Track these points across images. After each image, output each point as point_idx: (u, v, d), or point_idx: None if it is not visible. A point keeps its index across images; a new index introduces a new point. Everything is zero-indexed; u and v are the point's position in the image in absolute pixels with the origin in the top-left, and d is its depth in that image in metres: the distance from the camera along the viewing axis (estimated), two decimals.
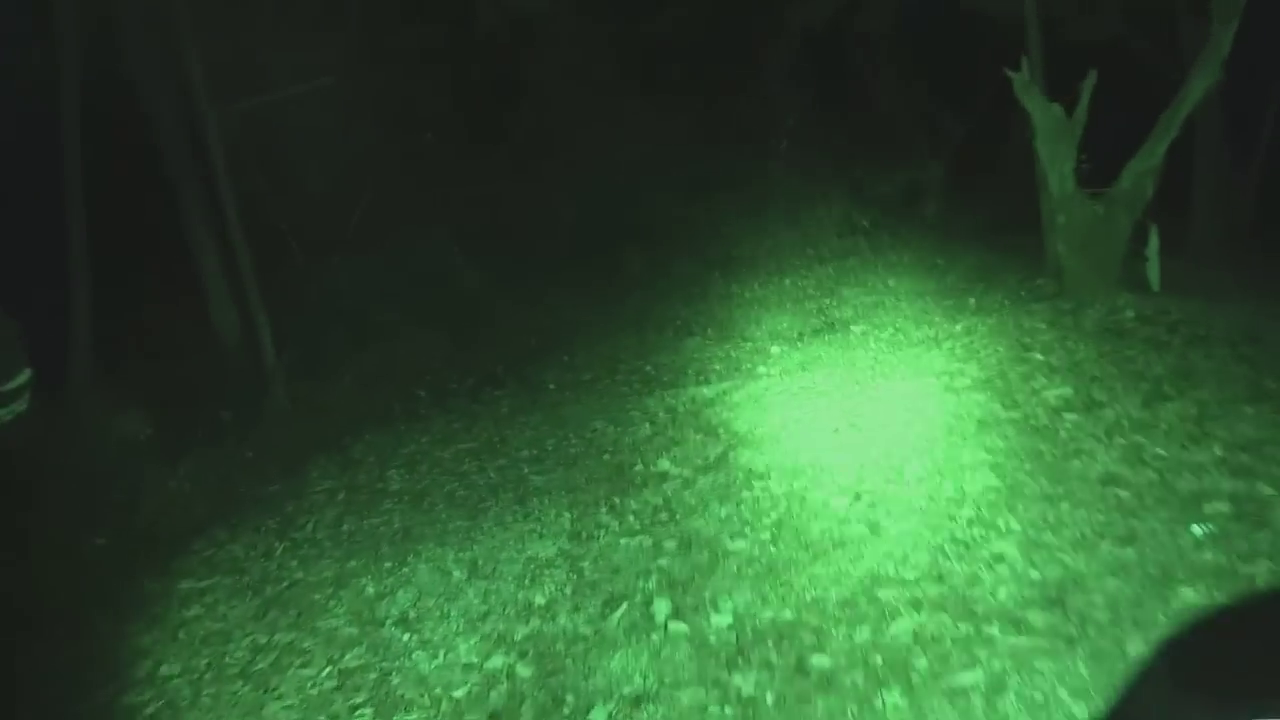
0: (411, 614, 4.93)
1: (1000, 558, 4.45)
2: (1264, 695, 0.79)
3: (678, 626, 4.38)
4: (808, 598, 4.44)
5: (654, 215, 12.13)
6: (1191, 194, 10.79)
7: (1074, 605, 3.98)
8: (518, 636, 4.56)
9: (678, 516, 5.65)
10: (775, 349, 8.98)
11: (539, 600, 4.90)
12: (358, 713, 4.22)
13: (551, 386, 8.74)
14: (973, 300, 9.53)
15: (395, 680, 4.40)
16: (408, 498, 6.63)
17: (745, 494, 5.80)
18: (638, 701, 3.93)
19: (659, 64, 11.74)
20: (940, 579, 4.37)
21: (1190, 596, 3.94)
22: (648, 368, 8.97)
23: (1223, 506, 4.61)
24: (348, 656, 4.61)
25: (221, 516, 6.74)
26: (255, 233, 9.22)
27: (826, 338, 9.14)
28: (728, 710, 3.79)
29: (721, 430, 6.98)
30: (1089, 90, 8.46)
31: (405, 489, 6.81)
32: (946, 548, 4.65)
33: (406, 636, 4.71)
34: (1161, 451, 5.35)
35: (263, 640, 4.90)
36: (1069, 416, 6.02)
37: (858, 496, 5.43)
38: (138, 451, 7.28)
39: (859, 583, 4.48)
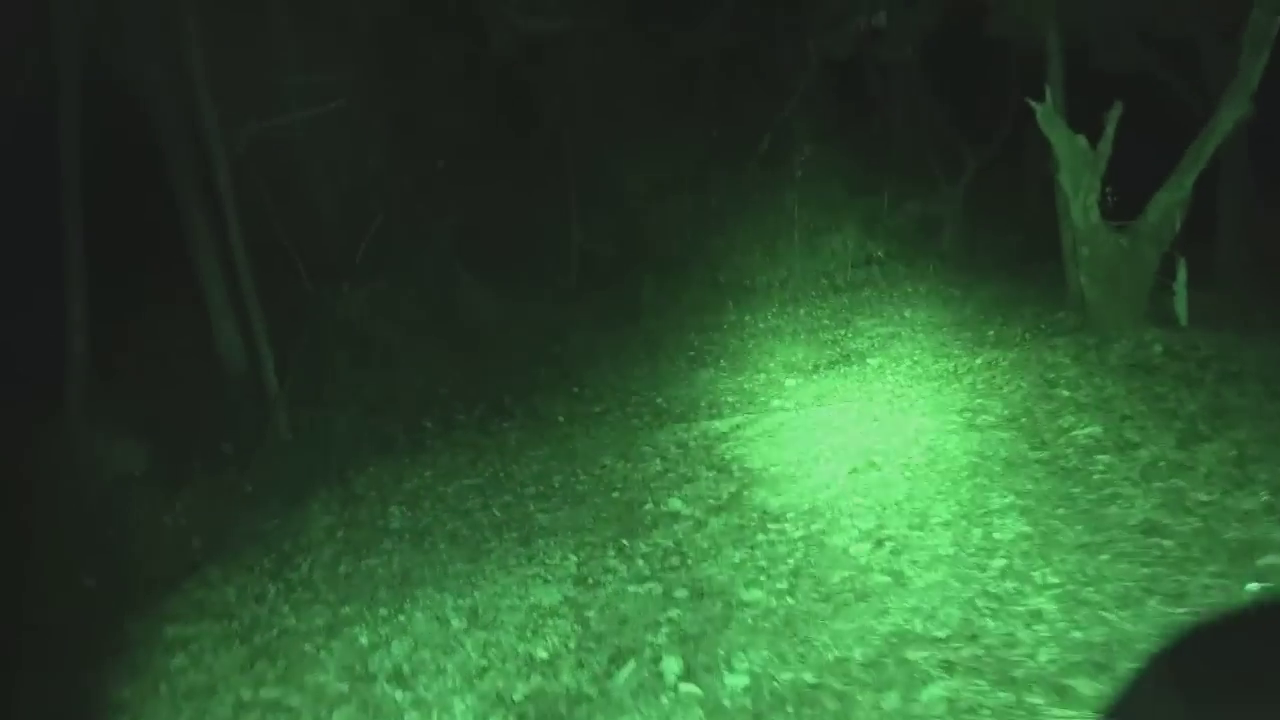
0: (406, 668, 4.54)
1: (1038, 615, 4.04)
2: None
3: (689, 689, 3.97)
4: (829, 657, 4.03)
5: (668, 242, 11.80)
6: (1216, 224, 10.38)
7: (1124, 673, 3.57)
8: (517, 696, 4.16)
9: (689, 561, 5.25)
10: (790, 381, 8.61)
11: (541, 654, 4.50)
12: None
13: (561, 419, 8.36)
14: (992, 333, 9.16)
15: None
16: (408, 536, 6.25)
17: (760, 537, 5.41)
18: None
19: (676, 90, 11.42)
20: (974, 638, 3.96)
21: None
22: (659, 399, 8.60)
23: (1277, 560, 4.20)
24: (335, 716, 4.22)
25: (216, 554, 6.37)
26: (264, 257, 8.93)
27: (842, 370, 8.77)
28: None
29: (735, 467, 6.59)
30: (1114, 121, 8.09)
31: (406, 527, 6.43)
32: (979, 602, 4.24)
33: (399, 694, 4.31)
34: (1204, 497, 4.94)
35: (247, 696, 4.51)
36: (1101, 458, 5.61)
37: (880, 543, 5.03)
38: (134, 484, 6.93)
39: (885, 641, 4.07)
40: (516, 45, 8.23)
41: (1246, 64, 7.64)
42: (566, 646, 4.53)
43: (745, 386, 8.63)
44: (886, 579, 4.61)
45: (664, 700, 3.93)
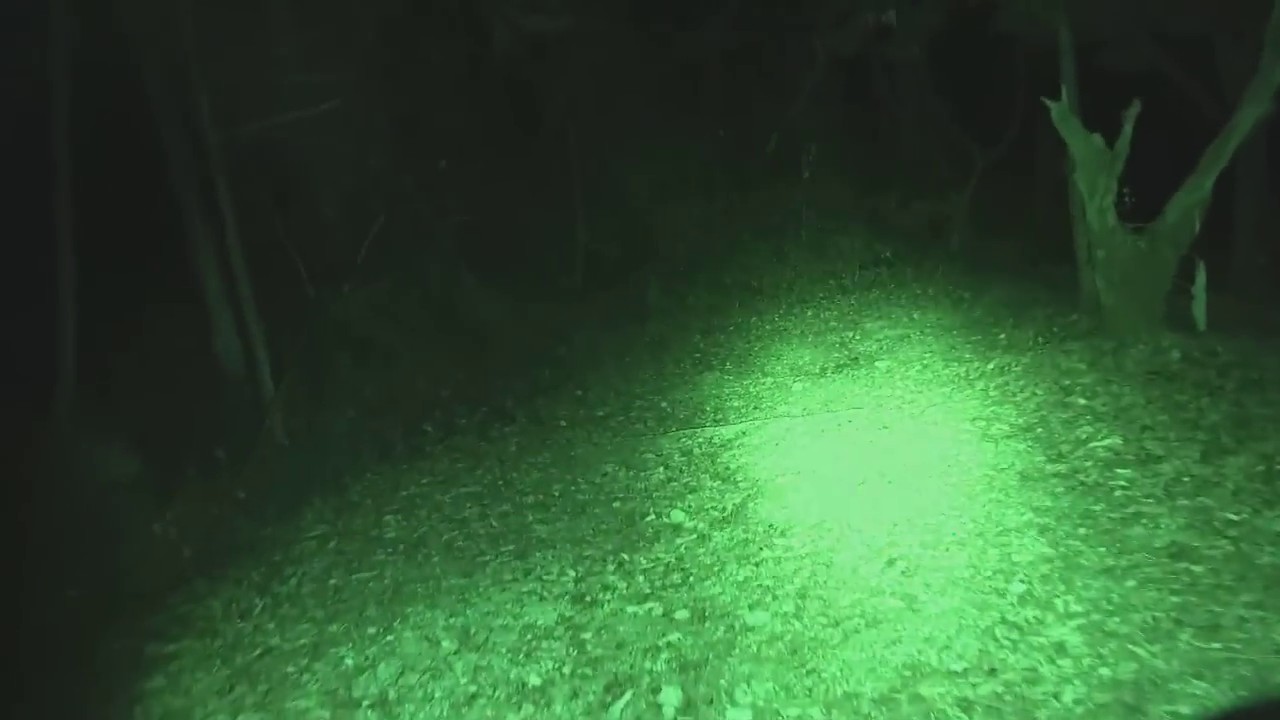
0: (391, 694, 4.23)
1: (1062, 648, 3.71)
2: None
3: None
4: (839, 691, 3.71)
5: (674, 243, 11.46)
6: (1232, 226, 10.01)
7: (1157, 716, 3.23)
8: None
9: (691, 579, 4.93)
10: (797, 385, 8.26)
11: (534, 680, 4.18)
12: None
13: (563, 423, 8.04)
14: (1003, 336, 8.79)
15: None
16: (403, 547, 5.93)
17: (765, 553, 5.09)
18: None
19: (682, 90, 11.08)
20: (993, 673, 3.63)
21: None
22: (663, 403, 8.27)
23: None
24: None
25: (205, 566, 6.06)
26: (265, 258, 8.63)
27: (850, 373, 8.42)
28: None
29: (740, 477, 6.27)
30: (1132, 119, 7.71)
31: (401, 537, 6.11)
32: (997, 632, 3.90)
33: None
34: (1233, 516, 4.60)
35: None
36: (1122, 472, 5.26)
37: (891, 562, 4.70)
38: (124, 490, 6.62)
39: (897, 674, 3.75)
40: (518, 44, 7.89)
41: (1268, 62, 7.27)
42: (561, 672, 4.22)
43: (751, 390, 8.29)
44: (898, 603, 4.28)
45: None
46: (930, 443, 6.22)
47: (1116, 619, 3.84)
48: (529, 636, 4.57)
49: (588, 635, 4.50)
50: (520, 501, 6.43)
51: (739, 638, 4.24)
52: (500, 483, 6.83)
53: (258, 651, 4.80)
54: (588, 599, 4.89)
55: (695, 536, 5.47)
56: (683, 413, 7.94)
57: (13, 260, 6.94)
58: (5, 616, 5.32)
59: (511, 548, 5.69)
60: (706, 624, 4.41)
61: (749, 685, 3.84)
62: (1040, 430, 6.06)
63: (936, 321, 9.77)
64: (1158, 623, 3.76)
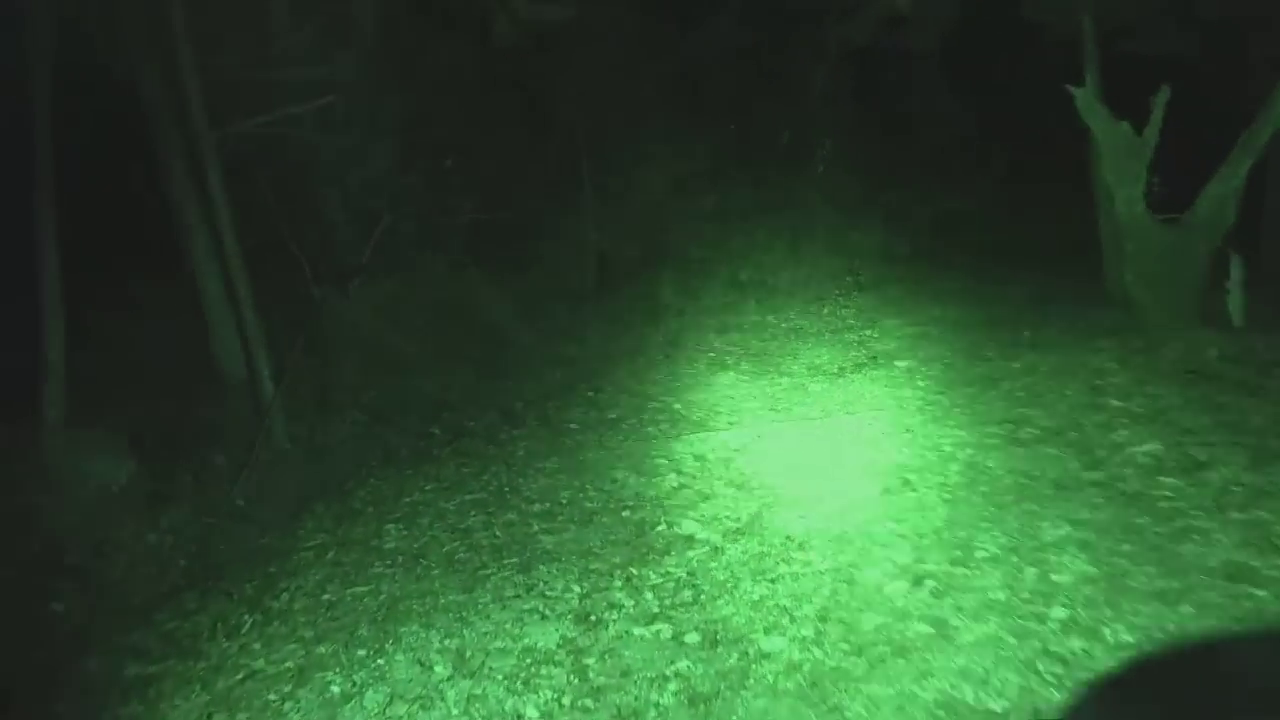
0: None
1: (1115, 686, 3.25)
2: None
3: None
4: None
5: (686, 241, 11.00)
6: (1261, 217, 9.45)
7: None
8: None
9: (703, 597, 4.50)
10: (814, 385, 7.81)
11: (531, 712, 3.76)
12: None
13: (573, 426, 7.60)
14: (1028, 333, 8.31)
15: None
16: (402, 559, 5.51)
17: (783, 568, 4.65)
18: None
19: (691, 84, 10.62)
20: (1038, 715, 3.17)
21: None
22: (677, 405, 7.82)
23: None
24: None
25: (197, 578, 5.66)
26: (268, 257, 8.25)
27: (870, 373, 7.95)
28: None
29: (755, 483, 5.82)
30: (1161, 106, 7.23)
31: (401, 547, 5.69)
32: (1040, 665, 3.45)
33: None
34: None
35: None
36: (1166, 480, 4.79)
37: (918, 580, 4.25)
38: (116, 499, 6.25)
39: (930, 714, 3.30)
40: (522, 36, 7.44)
41: None
42: (560, 703, 3.79)
43: (768, 391, 7.84)
44: (928, 629, 3.82)
45: None
46: (957, 448, 5.77)
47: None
48: (528, 661, 4.15)
49: (591, 661, 4.08)
50: (526, 510, 6.00)
51: (754, 666, 3.80)
52: (506, 489, 6.41)
53: (240, 675, 4.39)
54: (592, 618, 4.46)
55: (708, 549, 5.03)
56: (697, 415, 7.50)
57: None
58: None
59: (515, 560, 5.26)
60: (719, 649, 3.98)
61: None
62: (1073, 434, 5.59)
63: (958, 318, 9.29)
64: None
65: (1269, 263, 9.36)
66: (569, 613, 4.56)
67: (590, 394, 8.38)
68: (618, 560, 5.06)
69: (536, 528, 5.69)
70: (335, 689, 4.14)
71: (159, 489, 6.44)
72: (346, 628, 4.74)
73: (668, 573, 4.82)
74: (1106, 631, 3.56)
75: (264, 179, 8.29)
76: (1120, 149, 7.37)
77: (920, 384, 7.35)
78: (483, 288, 9.63)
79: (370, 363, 8.60)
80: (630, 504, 5.85)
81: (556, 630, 4.39)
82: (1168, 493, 4.65)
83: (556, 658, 4.15)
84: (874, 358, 8.30)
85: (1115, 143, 7.37)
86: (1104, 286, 8.57)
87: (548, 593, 4.81)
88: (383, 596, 5.07)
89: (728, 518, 5.38)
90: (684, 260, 10.87)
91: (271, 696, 4.16)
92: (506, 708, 3.81)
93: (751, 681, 3.69)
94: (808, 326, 9.58)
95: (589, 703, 3.75)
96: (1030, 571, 4.11)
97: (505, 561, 5.27)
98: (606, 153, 10.52)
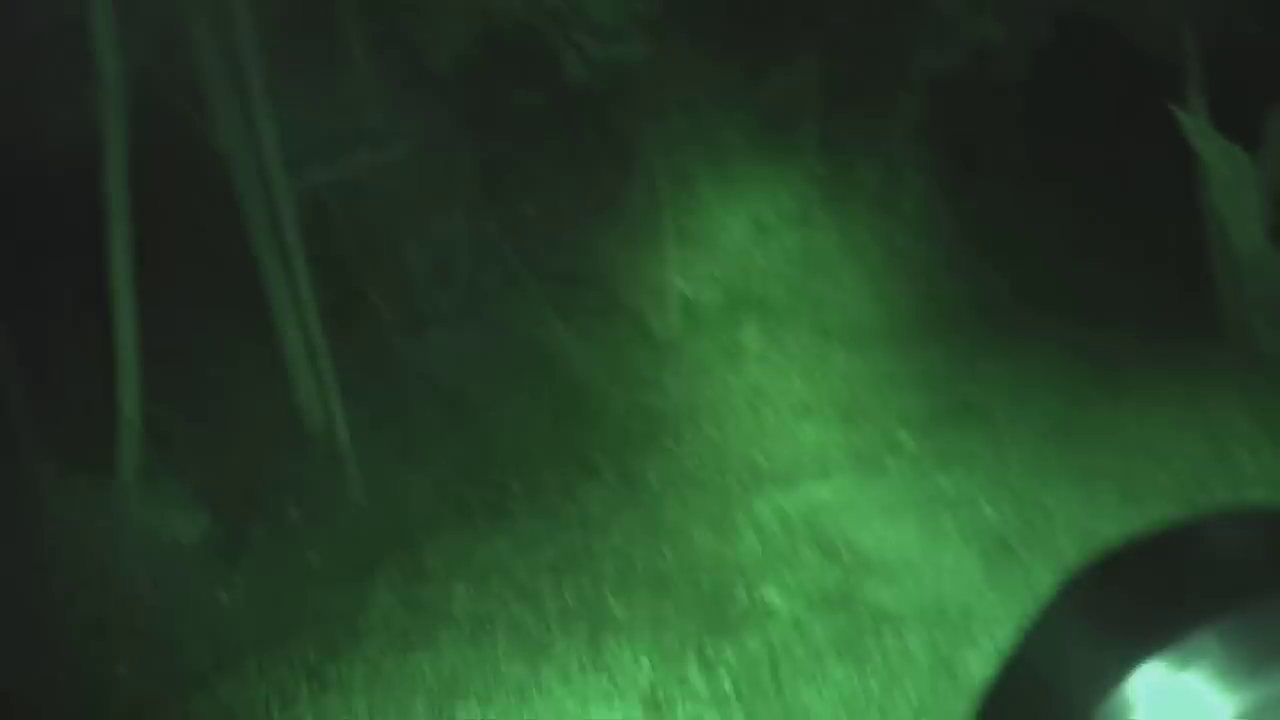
0: None
1: None
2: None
3: None
4: None
5: (770, 285, 10.54)
6: None
7: None
8: None
9: (782, 679, 4.02)
10: (906, 437, 7.25)
11: None
12: None
13: (652, 480, 7.19)
14: (1134, 377, 7.62)
15: None
16: (467, 625, 5.16)
17: (871, 647, 4.15)
18: None
19: (775, 122, 10.23)
20: None
21: None
22: (760, 457, 7.36)
23: None
24: None
25: (263, 640, 5.39)
26: (348, 305, 8.11)
27: (965, 423, 7.36)
28: None
29: (842, 547, 5.31)
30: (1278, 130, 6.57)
31: (467, 611, 5.34)
32: None
33: None
34: None
35: None
36: None
37: None
38: (189, 555, 6.05)
39: None
40: (595, 77, 7.18)
41: None
42: None
43: (855, 442, 7.32)
44: None
45: None
46: (1063, 508, 5.18)
47: None
48: None
49: None
50: (598, 572, 5.59)
51: None
52: (580, 549, 6.02)
53: None
54: (662, 701, 4.03)
55: (790, 622, 4.55)
56: (780, 467, 7.02)
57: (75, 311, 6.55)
58: (45, 696, 4.76)
59: (583, 629, 4.86)
60: None
61: None
62: (1199, 497, 4.95)
63: (1059, 362, 8.62)
64: None
65: None
66: (636, 692, 4.14)
67: (671, 446, 7.96)
68: (691, 631, 4.62)
69: (608, 593, 5.28)
70: None
71: (232, 545, 6.22)
72: (402, 702, 4.40)
73: (745, 647, 4.37)
74: None
75: (345, 227, 8.17)
76: (1235, 177, 6.72)
77: (1020, 435, 6.75)
78: (563, 335, 9.32)
79: (449, 413, 8.34)
80: (708, 568, 5.39)
81: (622, 713, 3.97)
82: None
83: None
84: (969, 406, 7.71)
85: (1230, 171, 6.73)
86: (1219, 326, 7.84)
87: (615, 667, 4.40)
88: (444, 667, 4.73)
89: (812, 586, 4.89)
90: (769, 305, 10.40)
91: None
92: None
93: None
94: (899, 373, 9.01)
95: None
96: None
97: (573, 630, 4.87)
98: (688, 195, 10.17)
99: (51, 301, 6.51)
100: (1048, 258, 11.69)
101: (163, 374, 6.70)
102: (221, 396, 7.26)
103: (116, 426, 6.02)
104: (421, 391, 8.41)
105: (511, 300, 9.19)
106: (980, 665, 3.80)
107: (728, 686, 4.05)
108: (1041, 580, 4.39)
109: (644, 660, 4.42)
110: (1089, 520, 4.94)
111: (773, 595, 4.85)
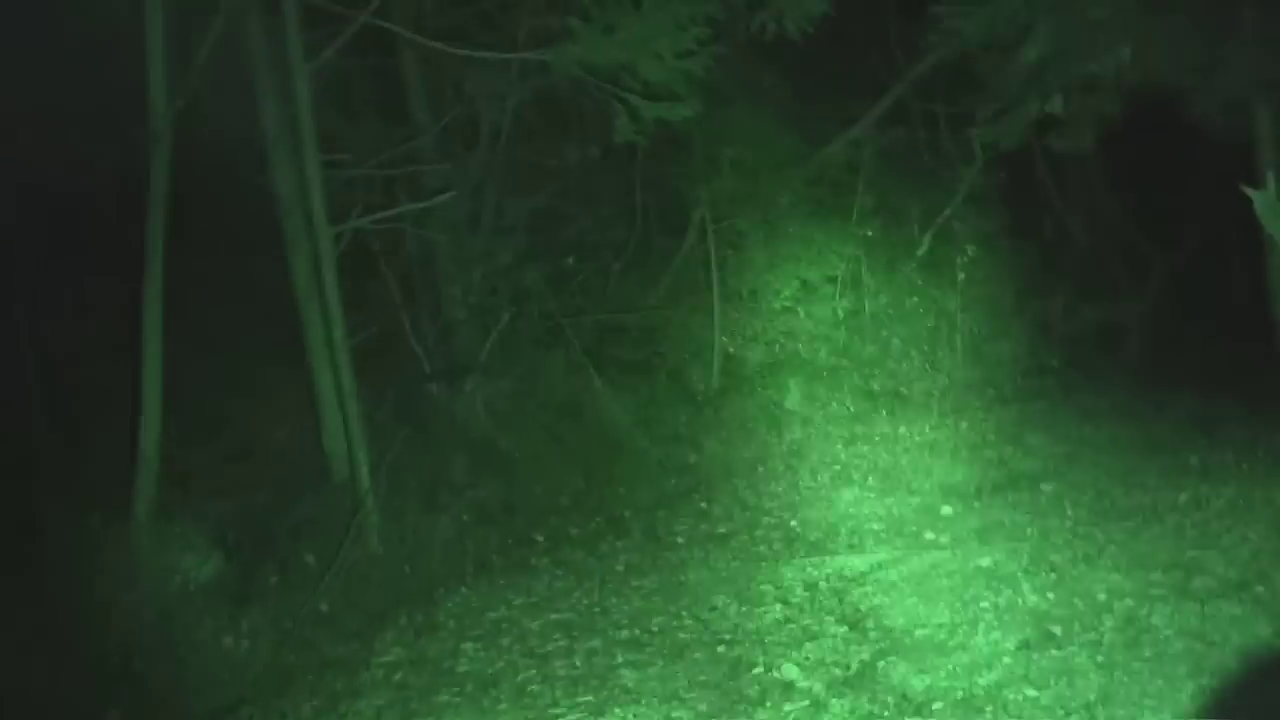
0: None
1: None
2: None
3: None
4: None
5: (816, 346, 10.25)
6: None
7: None
8: None
9: None
10: (947, 509, 6.86)
11: None
12: None
13: (680, 540, 6.88)
14: (1195, 459, 7.17)
15: None
16: (471, 687, 4.85)
17: None
18: None
19: (830, 184, 10.05)
20: None
21: None
22: (793, 522, 7.00)
23: None
24: None
25: (263, 690, 5.14)
26: (387, 353, 7.97)
27: (1010, 497, 6.96)
28: None
29: (870, 624, 4.94)
30: None
31: (474, 671, 5.04)
32: None
33: None
34: None
35: None
36: None
37: None
38: (198, 597, 5.84)
39: None
40: (642, 134, 7.04)
41: None
42: None
43: (894, 512, 6.94)
44: None
45: None
46: (1112, 595, 4.76)
47: None
48: None
49: None
50: (613, 636, 5.27)
51: None
52: (596, 610, 5.70)
53: None
54: None
55: (809, 703, 4.18)
56: (813, 535, 6.66)
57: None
58: None
59: (590, 699, 4.53)
60: None
61: None
62: (1260, 589, 4.52)
63: (1112, 438, 8.18)
64: None
65: None
66: None
67: (702, 505, 7.65)
68: (704, 709, 4.27)
69: (620, 659, 4.95)
70: None
71: (243, 588, 6.00)
72: None
73: None
74: None
75: (389, 273, 8.08)
76: None
77: (1068, 513, 6.33)
78: (600, 388, 9.09)
79: (479, 462, 8.11)
80: (727, 637, 5.05)
81: None
82: None
83: None
84: (1015, 480, 7.31)
85: None
86: None
87: None
88: None
89: (835, 664, 4.52)
90: (812, 366, 10.09)
91: None
92: None
93: None
94: (943, 441, 8.62)
95: None
96: None
97: (579, 700, 4.54)
98: (736, 253, 9.98)
99: (76, 334, 6.43)
100: (1106, 330, 11.25)
101: (188, 412, 6.59)
102: (246, 436, 7.14)
103: (135, 466, 5.88)
104: (450, 439, 8.22)
105: (550, 351, 9.00)
106: None
107: None
108: (1083, 671, 3.99)
109: None
110: (1139, 609, 4.52)
111: (793, 670, 4.49)
